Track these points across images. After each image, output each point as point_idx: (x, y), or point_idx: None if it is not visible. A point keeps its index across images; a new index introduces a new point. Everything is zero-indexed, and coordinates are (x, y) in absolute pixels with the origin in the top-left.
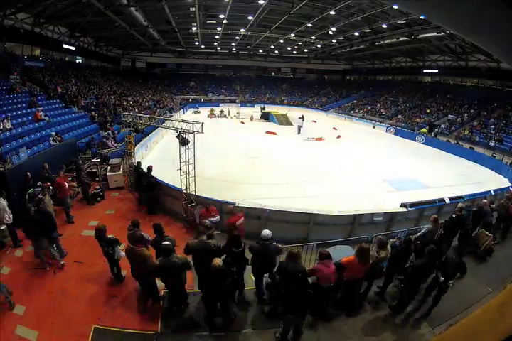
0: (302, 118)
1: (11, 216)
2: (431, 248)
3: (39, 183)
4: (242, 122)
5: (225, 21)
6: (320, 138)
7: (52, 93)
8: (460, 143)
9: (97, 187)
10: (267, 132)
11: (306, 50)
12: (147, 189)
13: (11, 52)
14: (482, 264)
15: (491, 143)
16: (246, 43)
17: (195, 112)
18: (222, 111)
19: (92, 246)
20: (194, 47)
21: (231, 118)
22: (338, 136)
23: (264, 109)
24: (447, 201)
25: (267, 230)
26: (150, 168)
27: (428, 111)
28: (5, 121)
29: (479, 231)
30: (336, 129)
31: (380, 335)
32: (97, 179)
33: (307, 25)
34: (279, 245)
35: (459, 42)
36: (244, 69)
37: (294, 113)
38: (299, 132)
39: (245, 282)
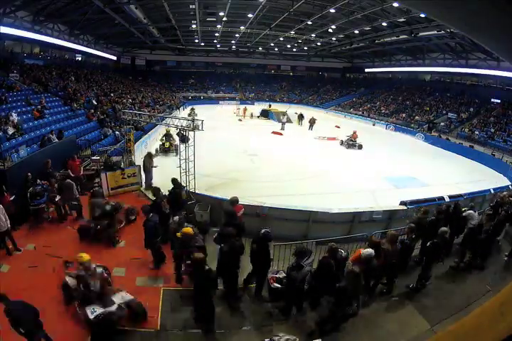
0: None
1: (7, 222)
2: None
3: (38, 181)
4: (240, 120)
5: (224, 19)
6: (333, 138)
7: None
8: (460, 141)
9: (96, 184)
10: (273, 132)
11: (305, 48)
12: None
13: (11, 50)
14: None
15: (491, 142)
16: (246, 41)
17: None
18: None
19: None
20: (194, 44)
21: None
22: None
23: (270, 106)
24: (446, 199)
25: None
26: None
27: (427, 108)
28: (12, 115)
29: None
30: (338, 127)
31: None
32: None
33: (307, 23)
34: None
35: (459, 41)
36: (244, 66)
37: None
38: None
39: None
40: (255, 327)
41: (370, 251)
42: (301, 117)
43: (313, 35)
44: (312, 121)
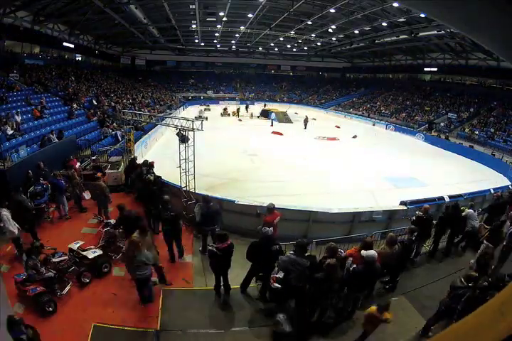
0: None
1: (16, 226)
2: None
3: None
4: (240, 120)
5: (224, 19)
6: (333, 138)
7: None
8: (459, 141)
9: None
10: (273, 132)
11: (305, 48)
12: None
13: (11, 50)
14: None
15: (491, 142)
16: (246, 41)
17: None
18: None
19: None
20: (194, 44)
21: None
22: (355, 136)
23: (265, 106)
24: (447, 199)
25: None
26: (151, 165)
27: (428, 108)
28: (16, 116)
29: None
30: (338, 127)
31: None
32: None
33: (307, 23)
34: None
35: (459, 41)
36: (244, 66)
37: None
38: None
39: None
40: (254, 327)
41: (372, 252)
42: (306, 121)
43: (313, 35)
44: (306, 120)
